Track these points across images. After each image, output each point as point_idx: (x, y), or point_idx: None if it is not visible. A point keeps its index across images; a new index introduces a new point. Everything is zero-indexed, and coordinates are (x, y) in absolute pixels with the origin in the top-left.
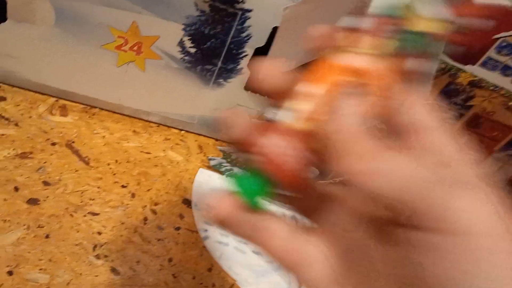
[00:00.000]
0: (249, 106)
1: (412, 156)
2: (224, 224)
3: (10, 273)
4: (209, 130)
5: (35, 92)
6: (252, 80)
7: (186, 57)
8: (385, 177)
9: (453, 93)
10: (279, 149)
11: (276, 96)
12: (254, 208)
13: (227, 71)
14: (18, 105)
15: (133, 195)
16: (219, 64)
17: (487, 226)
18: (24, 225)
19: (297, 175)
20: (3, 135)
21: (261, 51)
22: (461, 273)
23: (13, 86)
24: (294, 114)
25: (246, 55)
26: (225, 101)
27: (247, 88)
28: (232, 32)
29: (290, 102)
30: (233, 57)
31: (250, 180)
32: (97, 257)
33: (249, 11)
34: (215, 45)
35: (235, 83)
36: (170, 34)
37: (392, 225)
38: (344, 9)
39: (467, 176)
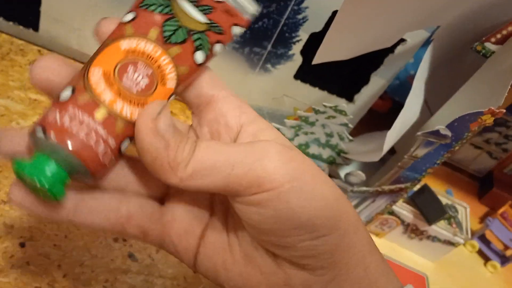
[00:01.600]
0: (297, 97)
1: (214, 142)
2: None
3: (22, 244)
4: None
5: (75, 60)
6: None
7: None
8: (203, 176)
9: None
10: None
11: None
12: (52, 199)
13: (277, 56)
14: None
15: None
16: (269, 47)
17: (289, 177)
18: None
19: (102, 159)
20: (35, 100)
21: (317, 38)
22: (283, 214)
23: (54, 52)
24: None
25: (300, 40)
26: (271, 88)
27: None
28: (287, 13)
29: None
30: (285, 41)
31: (48, 167)
32: (115, 239)
33: None
34: (267, 25)
35: (284, 70)
36: None
37: (232, 198)
38: None
39: (255, 136)
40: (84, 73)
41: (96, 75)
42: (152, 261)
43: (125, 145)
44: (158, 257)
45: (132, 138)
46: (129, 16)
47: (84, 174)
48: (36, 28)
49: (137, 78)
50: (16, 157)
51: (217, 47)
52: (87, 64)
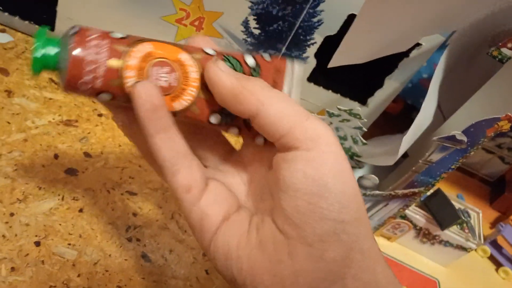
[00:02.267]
0: (309, 99)
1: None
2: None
3: (37, 243)
4: None
5: None
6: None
7: (249, 39)
8: (275, 105)
9: None
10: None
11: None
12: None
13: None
14: None
15: None
16: (283, 50)
17: (329, 142)
18: (59, 195)
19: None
20: (50, 99)
21: (331, 41)
22: (317, 171)
23: None
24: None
25: (315, 42)
26: None
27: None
28: (302, 16)
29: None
30: (300, 44)
31: (49, 47)
32: (129, 239)
33: None
34: (282, 28)
35: None
36: (235, 12)
37: (278, 152)
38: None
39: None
40: (143, 38)
41: (145, 46)
42: (165, 261)
43: (105, 97)
44: (171, 257)
45: (114, 97)
46: (211, 51)
47: (63, 77)
48: (52, 27)
49: (162, 76)
50: (44, 27)
51: None
52: (154, 39)
